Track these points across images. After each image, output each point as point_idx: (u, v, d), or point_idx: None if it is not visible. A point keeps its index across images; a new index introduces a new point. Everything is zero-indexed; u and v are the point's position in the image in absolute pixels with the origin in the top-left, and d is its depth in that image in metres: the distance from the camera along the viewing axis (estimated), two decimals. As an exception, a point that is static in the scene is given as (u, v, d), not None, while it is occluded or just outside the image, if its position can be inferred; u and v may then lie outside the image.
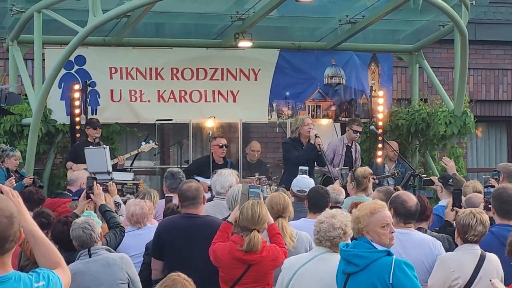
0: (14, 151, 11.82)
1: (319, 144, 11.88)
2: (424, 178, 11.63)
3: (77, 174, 10.26)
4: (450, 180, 9.23)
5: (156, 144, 13.00)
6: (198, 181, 9.39)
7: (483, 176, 12.80)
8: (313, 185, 8.51)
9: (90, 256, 6.69)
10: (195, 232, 6.87)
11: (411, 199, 6.91)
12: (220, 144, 12.95)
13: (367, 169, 9.79)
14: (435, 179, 10.90)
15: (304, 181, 8.55)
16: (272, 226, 6.63)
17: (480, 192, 8.21)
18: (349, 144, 13.35)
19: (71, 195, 9.46)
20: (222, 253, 6.46)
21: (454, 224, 6.61)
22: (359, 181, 9.45)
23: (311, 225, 6.21)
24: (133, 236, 8.04)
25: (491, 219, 6.97)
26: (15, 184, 10.66)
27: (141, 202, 8.11)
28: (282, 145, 12.96)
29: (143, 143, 12.90)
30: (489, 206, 7.12)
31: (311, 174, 11.68)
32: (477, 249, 6.26)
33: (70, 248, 6.83)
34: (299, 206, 8.19)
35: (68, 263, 6.69)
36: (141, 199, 8.45)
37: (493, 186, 7.63)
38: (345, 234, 5.87)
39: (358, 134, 13.49)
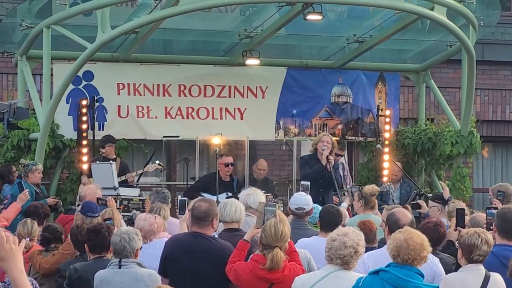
0: (36, 164, 11.79)
1: (329, 165, 11.59)
2: (412, 202, 11.58)
3: (85, 190, 10.20)
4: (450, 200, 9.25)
5: (160, 165, 12.99)
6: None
7: (489, 197, 12.79)
8: (311, 202, 8.50)
9: (119, 267, 6.67)
10: (199, 251, 6.85)
11: (405, 216, 6.94)
12: (226, 163, 12.94)
13: (374, 187, 9.76)
14: (422, 203, 10.96)
15: (301, 199, 8.50)
16: (289, 244, 6.59)
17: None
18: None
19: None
20: (244, 272, 6.43)
21: (457, 244, 6.58)
22: (367, 199, 9.44)
23: (322, 244, 6.16)
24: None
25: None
26: (29, 197, 10.60)
27: (151, 218, 8.02)
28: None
29: (150, 162, 12.92)
30: (491, 226, 7.10)
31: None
32: (481, 269, 6.25)
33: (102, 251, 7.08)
34: (298, 223, 8.21)
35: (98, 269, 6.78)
36: (153, 213, 8.43)
37: (496, 208, 7.63)
38: (356, 253, 5.86)
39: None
